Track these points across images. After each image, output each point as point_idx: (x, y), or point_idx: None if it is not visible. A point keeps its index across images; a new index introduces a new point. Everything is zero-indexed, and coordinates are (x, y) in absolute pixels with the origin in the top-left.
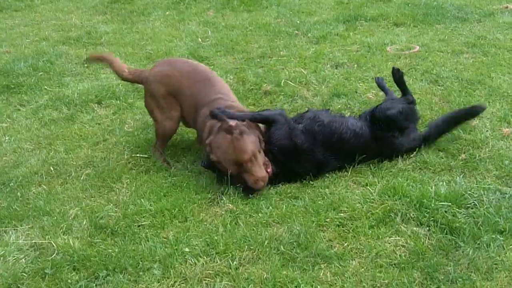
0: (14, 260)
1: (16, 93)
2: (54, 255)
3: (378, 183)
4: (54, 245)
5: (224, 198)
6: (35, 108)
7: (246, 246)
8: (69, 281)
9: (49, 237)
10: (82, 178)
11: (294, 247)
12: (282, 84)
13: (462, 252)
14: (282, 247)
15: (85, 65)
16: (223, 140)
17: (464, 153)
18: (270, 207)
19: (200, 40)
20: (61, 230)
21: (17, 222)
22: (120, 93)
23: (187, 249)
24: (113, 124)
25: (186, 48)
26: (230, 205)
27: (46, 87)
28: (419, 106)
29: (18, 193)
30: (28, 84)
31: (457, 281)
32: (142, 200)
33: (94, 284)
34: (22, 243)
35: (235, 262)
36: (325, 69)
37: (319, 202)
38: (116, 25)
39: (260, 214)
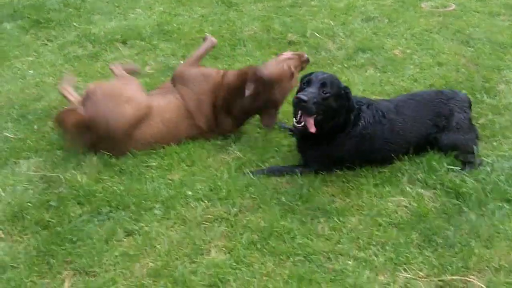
0: (22, 190)
1: (45, 28)
2: (61, 189)
3: None
4: (63, 178)
5: (233, 145)
6: (62, 44)
7: (248, 194)
8: (72, 214)
9: (58, 170)
10: None
11: (295, 199)
12: (308, 35)
13: (465, 217)
14: (283, 198)
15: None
16: None
17: (484, 117)
18: (278, 158)
19: None
20: (71, 165)
21: (30, 153)
22: (146, 34)
23: (190, 193)
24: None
25: None
26: (238, 153)
27: (75, 23)
28: (446, 67)
29: (35, 126)
30: (57, 20)
31: (455, 246)
32: None
33: (96, 219)
34: (32, 174)
35: (235, 209)
36: (354, 22)
37: None
38: None
39: (266, 164)
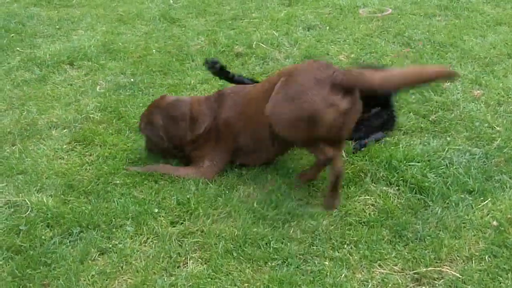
0: None
1: None
2: (28, 212)
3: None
4: (28, 202)
5: None
6: (7, 69)
7: (218, 204)
8: (43, 237)
9: (23, 195)
10: (55, 138)
11: (265, 206)
12: (254, 46)
13: (431, 211)
14: (254, 205)
15: (57, 27)
16: None
17: (435, 114)
18: (242, 168)
19: (171, 1)
20: (35, 189)
21: None
22: (92, 54)
23: (156, 210)
24: (85, 85)
25: (157, 10)
26: None
27: (18, 48)
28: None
29: None
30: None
31: (426, 239)
32: (114, 161)
33: (68, 240)
34: None
35: (206, 220)
36: (297, 32)
37: (289, 164)
38: None
39: (230, 175)
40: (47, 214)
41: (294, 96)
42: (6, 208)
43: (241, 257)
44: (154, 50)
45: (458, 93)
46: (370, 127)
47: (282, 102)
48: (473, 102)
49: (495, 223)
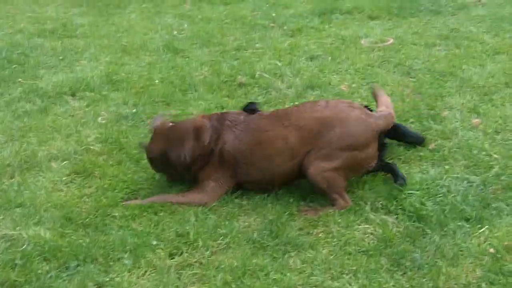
0: None
1: None
2: (24, 246)
3: None
4: (25, 236)
5: None
6: (9, 101)
7: (217, 235)
8: (39, 271)
9: (20, 228)
10: (54, 170)
11: (265, 236)
12: (256, 76)
13: (429, 239)
14: (254, 235)
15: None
16: None
17: (434, 143)
18: (243, 197)
19: (175, 32)
20: (33, 222)
21: None
22: (95, 85)
23: (154, 242)
24: (86, 116)
25: (161, 41)
26: None
27: (20, 79)
28: (392, 98)
29: None
30: (1, 77)
31: (424, 268)
32: (113, 192)
33: (64, 275)
34: None
35: (205, 251)
36: (299, 62)
37: (290, 193)
38: (92, 18)
39: (231, 205)
40: (44, 248)
41: (350, 148)
42: (2, 242)
43: None
44: (157, 81)
45: (457, 121)
46: None
47: (335, 164)
48: (471, 130)
49: (492, 250)
